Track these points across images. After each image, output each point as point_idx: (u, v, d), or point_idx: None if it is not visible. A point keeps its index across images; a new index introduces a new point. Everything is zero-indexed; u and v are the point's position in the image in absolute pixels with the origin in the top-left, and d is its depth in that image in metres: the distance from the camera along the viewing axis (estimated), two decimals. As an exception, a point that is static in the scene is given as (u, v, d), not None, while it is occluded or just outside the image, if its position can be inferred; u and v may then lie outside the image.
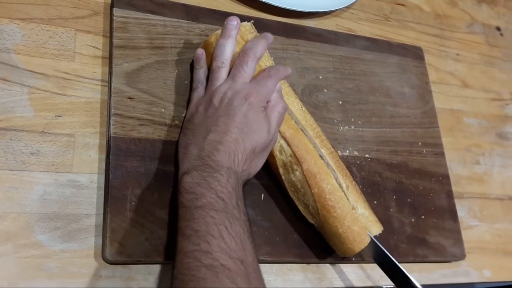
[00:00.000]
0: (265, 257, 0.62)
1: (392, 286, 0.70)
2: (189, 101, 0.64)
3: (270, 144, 0.61)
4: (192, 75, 0.65)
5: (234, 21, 0.62)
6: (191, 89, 0.65)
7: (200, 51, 0.63)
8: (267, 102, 0.61)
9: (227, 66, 0.62)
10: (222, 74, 0.61)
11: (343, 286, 0.67)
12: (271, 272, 0.63)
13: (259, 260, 0.60)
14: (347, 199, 0.62)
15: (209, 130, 0.57)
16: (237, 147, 0.57)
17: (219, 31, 0.63)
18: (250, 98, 0.59)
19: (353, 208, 0.62)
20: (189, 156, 0.57)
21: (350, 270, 0.68)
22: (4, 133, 0.57)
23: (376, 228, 0.64)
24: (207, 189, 0.52)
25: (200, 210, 0.51)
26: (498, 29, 1.03)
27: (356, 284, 0.68)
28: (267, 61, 0.65)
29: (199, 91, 0.63)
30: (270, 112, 0.60)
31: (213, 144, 0.56)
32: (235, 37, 0.62)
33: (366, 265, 0.69)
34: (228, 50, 0.62)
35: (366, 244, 0.62)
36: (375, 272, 0.69)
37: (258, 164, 0.61)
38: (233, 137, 0.57)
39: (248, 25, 0.65)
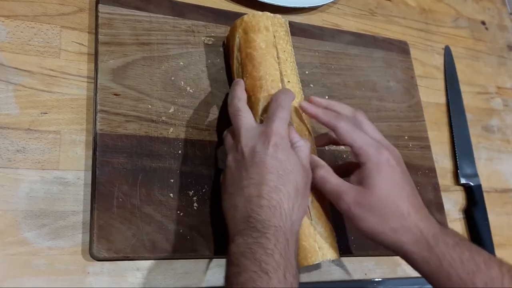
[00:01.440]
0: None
1: (380, 279, 0.71)
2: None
3: (309, 180, 0.57)
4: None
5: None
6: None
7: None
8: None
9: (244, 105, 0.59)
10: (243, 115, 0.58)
11: (331, 279, 0.67)
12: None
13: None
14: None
15: (243, 186, 0.54)
16: (279, 195, 0.53)
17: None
18: (272, 138, 0.55)
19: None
20: (234, 221, 0.54)
21: (338, 263, 0.68)
22: (-11, 130, 0.57)
23: (330, 254, 0.59)
24: (251, 260, 0.49)
25: None
26: (483, 23, 1.04)
27: (344, 278, 0.68)
28: (287, 44, 0.65)
29: (239, 119, 0.58)
30: (295, 151, 0.57)
31: (253, 200, 0.52)
32: (241, 82, 0.62)
33: (354, 258, 0.69)
34: (239, 89, 0.61)
35: (311, 264, 0.58)
36: (363, 265, 0.70)
37: (305, 204, 0.56)
38: (271, 185, 0.53)
39: (282, 19, 0.65)
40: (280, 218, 0.52)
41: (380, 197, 0.56)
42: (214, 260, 0.61)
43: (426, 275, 0.56)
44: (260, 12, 0.65)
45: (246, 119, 0.58)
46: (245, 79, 0.63)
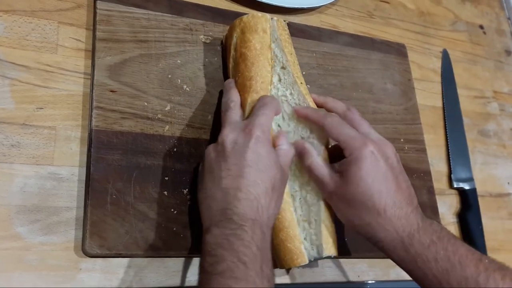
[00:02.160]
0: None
1: (373, 281, 0.71)
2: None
3: (285, 181, 0.57)
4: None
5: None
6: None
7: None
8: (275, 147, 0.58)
9: (237, 106, 0.61)
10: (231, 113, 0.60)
11: (324, 281, 0.67)
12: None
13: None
14: (294, 211, 0.60)
15: (221, 177, 0.53)
16: (257, 190, 0.53)
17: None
18: (254, 131, 0.55)
19: (304, 221, 0.60)
20: (209, 211, 0.53)
21: (331, 265, 0.68)
22: (-16, 125, 0.57)
23: (328, 251, 0.60)
24: (228, 251, 0.49)
25: (220, 278, 0.47)
26: (481, 27, 1.05)
27: (337, 279, 0.68)
28: (290, 47, 0.67)
29: (229, 116, 0.60)
30: (278, 152, 0.57)
31: (231, 192, 0.52)
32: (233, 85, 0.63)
33: (346, 260, 0.69)
34: (233, 92, 0.62)
35: (298, 265, 0.58)
36: (356, 267, 0.70)
37: (280, 202, 0.57)
38: (249, 179, 0.53)
39: (283, 22, 0.66)
40: (257, 212, 0.52)
41: (356, 192, 0.56)
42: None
43: (405, 270, 0.57)
44: (260, 14, 0.65)
45: (233, 116, 0.59)
46: (236, 78, 0.64)
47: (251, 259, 0.48)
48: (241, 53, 0.64)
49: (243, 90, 0.62)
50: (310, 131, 0.63)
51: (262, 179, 0.53)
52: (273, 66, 0.63)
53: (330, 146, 0.63)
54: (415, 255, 0.55)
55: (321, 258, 0.60)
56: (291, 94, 0.65)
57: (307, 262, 0.59)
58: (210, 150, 0.57)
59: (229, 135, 0.56)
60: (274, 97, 0.61)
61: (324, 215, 0.60)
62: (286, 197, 0.59)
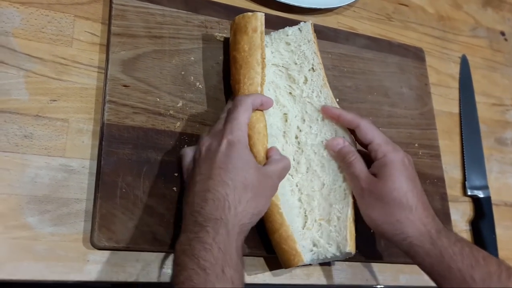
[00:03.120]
0: (253, 250, 0.62)
1: (381, 286, 0.70)
2: None
3: (267, 187, 0.57)
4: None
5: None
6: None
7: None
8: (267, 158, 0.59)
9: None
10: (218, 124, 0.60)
11: (331, 283, 0.67)
12: (259, 265, 0.63)
13: (247, 253, 0.61)
14: (304, 214, 0.62)
15: (195, 182, 0.54)
16: (225, 189, 0.53)
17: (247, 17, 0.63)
18: (225, 136, 0.56)
19: (321, 220, 0.62)
20: (184, 218, 0.54)
21: (339, 268, 0.68)
22: (-2, 115, 0.57)
23: (351, 247, 0.61)
24: (189, 258, 0.49)
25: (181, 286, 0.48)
26: (503, 34, 1.03)
27: (344, 282, 0.68)
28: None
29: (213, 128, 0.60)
30: (268, 162, 0.59)
31: (201, 195, 0.53)
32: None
33: (355, 264, 0.69)
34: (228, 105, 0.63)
35: (297, 265, 0.59)
36: (364, 271, 0.69)
37: (260, 203, 0.56)
38: (217, 179, 0.53)
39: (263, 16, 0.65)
40: (223, 210, 0.52)
41: (391, 189, 0.59)
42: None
43: (427, 268, 0.59)
44: (250, 13, 0.64)
45: (217, 125, 0.59)
46: (230, 82, 0.64)
47: (211, 263, 0.48)
48: (232, 56, 0.64)
49: (234, 94, 0.63)
50: (336, 133, 0.64)
51: (231, 178, 0.53)
52: (264, 66, 0.63)
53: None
54: (441, 248, 0.57)
55: (335, 257, 0.61)
56: (317, 96, 0.66)
57: (304, 261, 0.59)
58: (189, 160, 0.58)
59: (205, 143, 0.57)
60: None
61: (350, 212, 0.62)
62: (275, 200, 0.59)
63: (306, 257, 0.60)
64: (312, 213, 0.62)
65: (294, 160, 0.64)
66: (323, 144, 0.64)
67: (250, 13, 0.64)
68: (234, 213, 0.52)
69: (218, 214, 0.51)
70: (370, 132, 0.62)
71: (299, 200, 0.63)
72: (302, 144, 0.64)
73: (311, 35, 0.68)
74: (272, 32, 0.69)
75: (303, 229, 0.62)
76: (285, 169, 0.60)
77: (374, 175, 0.61)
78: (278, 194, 0.59)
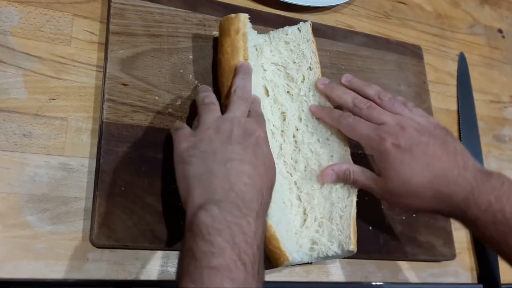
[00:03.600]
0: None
1: (380, 283, 0.71)
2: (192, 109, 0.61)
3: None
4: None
5: (246, 64, 0.61)
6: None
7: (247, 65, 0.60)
8: None
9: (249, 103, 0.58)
10: (215, 107, 0.57)
11: (331, 280, 0.67)
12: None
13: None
14: (304, 213, 0.62)
15: (228, 157, 0.49)
16: (262, 183, 0.50)
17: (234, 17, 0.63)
18: (260, 131, 0.54)
19: (322, 218, 0.62)
20: (207, 187, 0.48)
21: (338, 265, 0.68)
22: (-3, 114, 0.57)
23: (354, 245, 0.61)
24: (229, 244, 0.43)
25: (213, 274, 0.42)
26: (500, 31, 1.03)
27: (344, 279, 0.68)
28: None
29: (184, 127, 0.56)
30: None
31: (238, 175, 0.48)
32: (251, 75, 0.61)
33: (354, 260, 0.69)
34: (249, 87, 0.59)
35: (283, 265, 0.58)
36: (364, 268, 0.69)
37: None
38: (257, 170, 0.50)
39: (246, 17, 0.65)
40: (261, 204, 0.49)
41: (396, 186, 0.57)
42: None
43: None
44: (233, 14, 0.64)
45: (236, 108, 0.58)
46: (218, 84, 0.65)
47: (251, 260, 0.44)
48: (218, 58, 0.64)
49: (221, 96, 0.63)
50: (330, 131, 0.65)
51: (266, 175, 0.52)
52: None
53: None
54: (472, 218, 0.55)
55: (336, 255, 0.61)
56: (313, 95, 0.66)
57: (290, 260, 0.58)
58: (213, 123, 0.54)
59: (240, 120, 0.54)
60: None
61: (353, 211, 0.62)
62: None
63: (295, 257, 0.59)
64: (312, 211, 0.62)
65: (292, 159, 0.64)
66: (319, 142, 0.65)
67: (233, 15, 0.64)
68: (265, 209, 0.51)
69: (257, 206, 0.48)
70: (351, 133, 0.61)
71: (298, 198, 0.63)
72: (299, 143, 0.65)
73: (310, 35, 0.69)
74: (271, 31, 0.69)
75: (301, 227, 0.62)
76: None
77: (378, 172, 0.60)
78: None
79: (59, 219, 0.56)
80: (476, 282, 0.78)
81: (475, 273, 0.78)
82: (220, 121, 0.54)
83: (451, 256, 0.75)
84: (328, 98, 0.66)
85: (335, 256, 0.62)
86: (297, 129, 0.65)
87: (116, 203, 0.57)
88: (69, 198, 0.57)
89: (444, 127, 0.62)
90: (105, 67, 0.62)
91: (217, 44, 0.69)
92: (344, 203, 0.62)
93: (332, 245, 0.61)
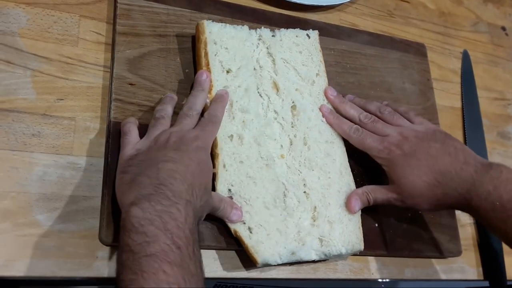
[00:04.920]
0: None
1: (387, 280, 0.71)
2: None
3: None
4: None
5: (203, 76, 0.63)
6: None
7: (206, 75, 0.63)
8: None
9: (195, 117, 0.61)
10: (163, 124, 0.59)
11: (338, 277, 0.67)
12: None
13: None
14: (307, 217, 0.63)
15: (161, 160, 0.53)
16: (194, 179, 0.52)
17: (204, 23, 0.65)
18: (198, 141, 0.57)
19: (315, 215, 0.63)
20: (138, 185, 0.50)
21: (345, 262, 0.68)
22: (6, 114, 0.58)
23: (362, 245, 0.64)
24: (161, 231, 0.45)
25: (151, 261, 0.43)
26: (503, 28, 1.03)
27: (350, 276, 0.68)
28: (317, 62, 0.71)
29: (132, 135, 0.58)
30: None
31: (169, 172, 0.51)
32: (207, 90, 0.63)
33: (360, 258, 0.69)
34: (200, 101, 0.62)
35: (257, 265, 0.59)
36: (370, 265, 0.69)
37: (207, 205, 0.56)
38: (189, 169, 0.53)
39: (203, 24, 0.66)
40: (191, 195, 0.51)
41: (407, 193, 0.63)
42: (221, 251, 0.62)
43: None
44: (200, 21, 0.65)
45: (187, 117, 0.61)
46: None
47: (185, 242, 0.46)
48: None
49: None
50: (336, 134, 0.69)
51: (199, 174, 0.54)
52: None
53: None
54: (475, 207, 0.60)
55: (344, 254, 0.64)
56: (324, 99, 0.70)
57: (258, 262, 0.59)
58: (154, 137, 0.57)
59: (173, 133, 0.57)
60: (222, 107, 0.62)
61: (359, 213, 0.65)
62: None
63: (268, 258, 0.59)
64: (321, 209, 0.63)
65: (301, 156, 0.65)
66: (327, 143, 0.67)
67: (200, 21, 0.65)
68: (198, 204, 0.52)
69: (187, 196, 0.50)
70: (361, 146, 0.67)
71: (307, 196, 0.64)
72: (308, 141, 0.66)
73: (318, 44, 0.72)
74: (282, 29, 0.71)
75: (309, 225, 0.63)
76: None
77: (391, 180, 0.65)
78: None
79: (68, 217, 0.57)
80: (482, 278, 0.78)
81: (481, 269, 0.78)
82: (161, 134, 0.57)
83: (457, 252, 0.75)
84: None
85: (343, 255, 0.63)
86: (307, 128, 0.66)
87: (124, 201, 0.57)
88: (78, 197, 0.58)
89: (443, 130, 0.68)
90: (112, 67, 0.63)
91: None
92: None
93: (340, 244, 0.63)
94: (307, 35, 0.72)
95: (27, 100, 0.59)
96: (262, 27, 0.69)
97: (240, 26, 0.68)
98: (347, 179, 0.67)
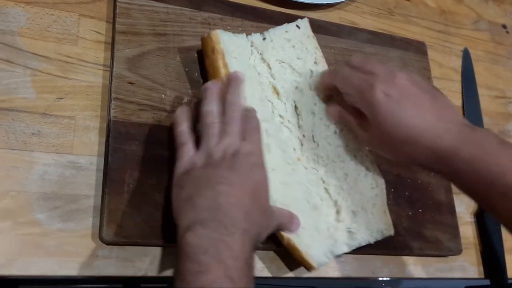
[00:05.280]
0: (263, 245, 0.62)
1: (387, 278, 0.71)
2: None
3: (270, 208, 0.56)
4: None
5: (213, 88, 0.60)
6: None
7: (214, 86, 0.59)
8: None
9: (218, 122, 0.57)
10: (215, 130, 0.56)
11: (338, 276, 0.67)
12: (266, 258, 0.64)
13: (259, 248, 0.61)
14: (336, 212, 0.64)
15: (216, 181, 0.51)
16: (250, 204, 0.50)
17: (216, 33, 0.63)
18: (253, 157, 0.54)
19: (339, 209, 0.64)
20: (194, 207, 0.49)
21: (345, 261, 0.68)
22: (6, 113, 0.58)
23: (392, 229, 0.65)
24: (215, 261, 0.45)
25: None
26: (504, 26, 1.03)
27: (351, 275, 0.68)
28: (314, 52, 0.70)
29: (188, 147, 0.56)
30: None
31: (225, 196, 0.49)
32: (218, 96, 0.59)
33: (361, 256, 0.69)
34: (216, 108, 0.58)
35: (312, 270, 0.60)
36: (370, 263, 0.69)
37: (266, 229, 0.54)
38: (245, 192, 0.51)
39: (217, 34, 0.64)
40: (248, 222, 0.49)
41: (388, 126, 0.57)
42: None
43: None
44: (206, 34, 0.64)
45: (233, 125, 0.58)
46: None
47: (238, 274, 0.45)
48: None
49: None
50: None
51: (256, 196, 0.53)
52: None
53: None
54: (457, 170, 0.55)
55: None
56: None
57: (315, 267, 0.60)
58: (197, 157, 0.55)
59: (228, 148, 0.54)
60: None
61: (384, 197, 0.65)
62: None
63: (323, 259, 0.60)
64: (344, 203, 0.64)
65: (314, 154, 0.65)
66: (336, 134, 0.66)
67: (206, 34, 0.64)
68: (255, 231, 0.51)
69: (243, 224, 0.49)
70: (345, 86, 0.61)
71: (327, 192, 0.64)
72: (317, 138, 0.66)
73: (310, 31, 0.71)
74: (270, 29, 0.69)
75: (335, 220, 0.64)
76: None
77: (370, 122, 0.60)
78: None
79: (69, 216, 0.57)
80: (483, 276, 0.78)
81: (481, 268, 0.78)
82: (216, 147, 0.55)
83: (458, 251, 0.75)
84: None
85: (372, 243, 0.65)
86: (313, 124, 0.66)
87: (124, 200, 0.57)
88: (78, 196, 0.58)
89: (438, 89, 0.63)
90: (111, 66, 0.63)
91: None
92: (375, 192, 0.65)
93: (371, 233, 0.64)
94: (297, 25, 0.70)
95: (26, 99, 0.59)
96: (252, 33, 0.68)
97: (238, 34, 0.66)
98: (363, 163, 0.66)
